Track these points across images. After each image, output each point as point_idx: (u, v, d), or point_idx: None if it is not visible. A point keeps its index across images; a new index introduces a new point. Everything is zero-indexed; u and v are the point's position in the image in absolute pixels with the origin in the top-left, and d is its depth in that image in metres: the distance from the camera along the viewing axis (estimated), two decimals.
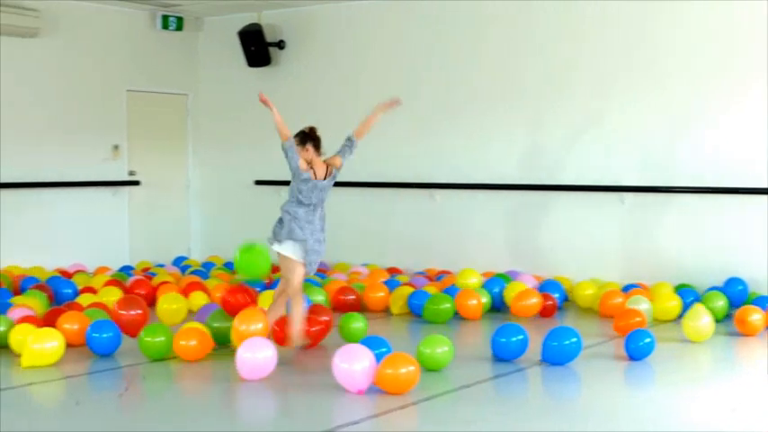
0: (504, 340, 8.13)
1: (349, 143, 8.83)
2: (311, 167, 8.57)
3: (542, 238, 12.02)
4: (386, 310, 10.67)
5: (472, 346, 8.93)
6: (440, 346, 7.78)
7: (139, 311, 8.84)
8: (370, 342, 7.69)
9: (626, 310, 9.39)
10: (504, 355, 8.13)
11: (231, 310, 8.89)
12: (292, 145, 8.62)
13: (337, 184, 13.11)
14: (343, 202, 13.55)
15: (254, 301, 9.28)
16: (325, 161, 8.66)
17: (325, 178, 8.58)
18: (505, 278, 11.22)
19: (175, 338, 8.16)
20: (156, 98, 14.46)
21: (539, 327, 9.27)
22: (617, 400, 7.10)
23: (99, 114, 13.65)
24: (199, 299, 10.41)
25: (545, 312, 10.29)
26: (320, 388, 7.22)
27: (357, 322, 8.95)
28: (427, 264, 12.79)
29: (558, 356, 7.95)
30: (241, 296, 9.13)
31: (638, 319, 9.03)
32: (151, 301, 10.53)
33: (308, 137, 8.66)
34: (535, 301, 10.17)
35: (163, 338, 8.20)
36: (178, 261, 13.58)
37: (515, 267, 11.98)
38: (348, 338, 8.65)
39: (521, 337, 8.15)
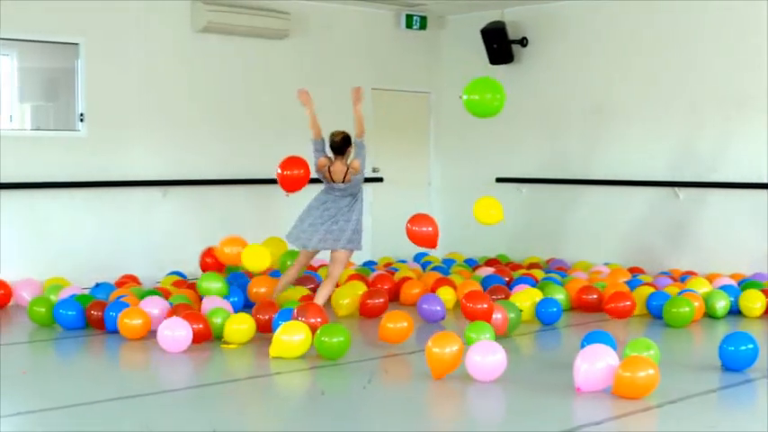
0: (732, 348, 7.89)
1: (355, 146, 9.78)
2: (329, 170, 9.80)
3: None
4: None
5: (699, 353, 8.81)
6: (646, 350, 7.61)
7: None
8: (594, 337, 7.77)
9: None
10: (731, 365, 7.88)
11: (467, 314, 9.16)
12: (317, 145, 9.91)
13: (575, 182, 13.16)
14: (584, 199, 13.53)
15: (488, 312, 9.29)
16: (347, 164, 9.75)
17: (342, 182, 9.73)
18: (755, 284, 10.90)
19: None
20: (399, 96, 14.83)
21: None
22: None
23: (344, 112, 14.07)
24: (445, 294, 10.80)
25: None
26: (552, 388, 7.28)
27: None
28: (673, 264, 12.60)
29: None
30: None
31: None
32: (393, 296, 11.02)
33: (330, 144, 9.85)
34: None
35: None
36: (419, 257, 13.90)
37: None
38: None
39: (750, 346, 7.88)
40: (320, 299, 9.73)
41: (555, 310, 9.98)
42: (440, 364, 7.45)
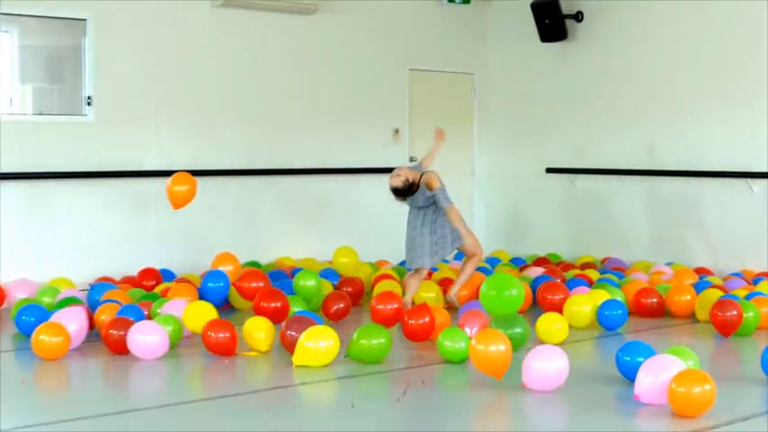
0: None
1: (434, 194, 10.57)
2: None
3: None
4: (692, 316, 10.42)
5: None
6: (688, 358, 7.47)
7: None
8: (630, 349, 7.67)
9: None
10: None
11: None
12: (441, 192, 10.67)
13: (635, 173, 12.99)
14: (644, 192, 13.36)
15: None
16: (422, 175, 10.68)
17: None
18: None
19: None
20: (440, 78, 14.72)
21: None
22: None
23: (379, 95, 14.04)
24: None
25: None
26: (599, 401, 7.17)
27: None
28: (746, 264, 12.39)
29: None
30: None
31: None
32: None
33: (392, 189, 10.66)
34: None
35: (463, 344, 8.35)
36: (460, 256, 13.74)
37: None
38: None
39: None
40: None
41: (620, 312, 9.84)
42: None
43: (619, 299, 10.18)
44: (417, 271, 10.77)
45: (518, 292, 8.39)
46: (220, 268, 10.80)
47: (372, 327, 8.53)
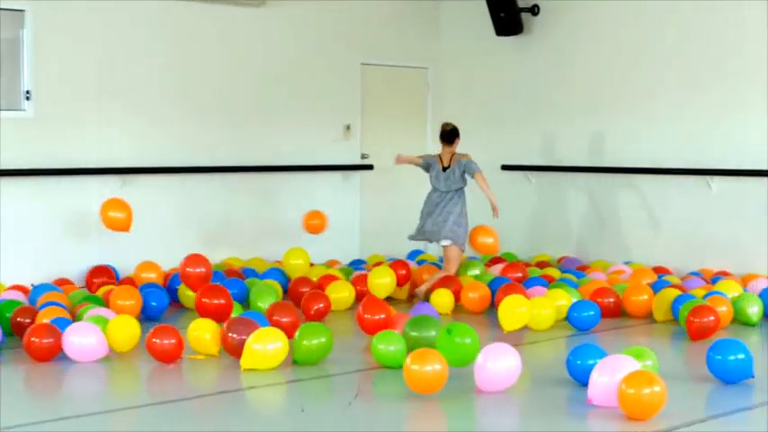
0: (719, 358, 7.91)
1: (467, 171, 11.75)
2: (439, 156, 11.88)
3: None
4: (649, 316, 10.58)
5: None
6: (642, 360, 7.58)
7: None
8: (581, 351, 7.76)
9: None
10: (719, 376, 7.92)
11: None
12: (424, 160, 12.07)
13: (594, 170, 13.13)
14: (593, 190, 13.49)
15: None
16: (453, 154, 11.78)
17: (448, 166, 11.72)
18: None
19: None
20: (392, 72, 14.78)
21: None
22: None
23: (330, 90, 14.06)
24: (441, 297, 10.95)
25: None
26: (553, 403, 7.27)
27: None
28: (704, 263, 12.59)
29: None
30: None
31: None
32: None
33: (441, 134, 11.93)
34: None
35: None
36: (413, 255, 13.85)
37: None
38: None
39: (741, 356, 7.88)
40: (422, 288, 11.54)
41: (592, 313, 10.02)
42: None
43: (589, 300, 10.32)
44: (430, 269, 11.91)
45: (472, 340, 8.40)
46: (143, 275, 11.10)
47: (314, 326, 8.61)
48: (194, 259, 10.40)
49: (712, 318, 9.48)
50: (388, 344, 8.34)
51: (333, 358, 8.60)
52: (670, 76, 12.91)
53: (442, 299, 10.93)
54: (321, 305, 10.19)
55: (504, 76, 14.56)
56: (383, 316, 9.28)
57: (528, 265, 12.91)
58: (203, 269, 10.31)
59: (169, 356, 8.45)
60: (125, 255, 12.02)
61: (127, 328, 8.80)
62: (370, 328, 9.24)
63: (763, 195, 12.17)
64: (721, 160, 12.46)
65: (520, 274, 11.75)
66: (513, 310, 9.53)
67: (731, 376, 7.86)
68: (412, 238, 12.12)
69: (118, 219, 11.21)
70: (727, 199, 12.48)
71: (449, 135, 11.88)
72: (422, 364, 7.34)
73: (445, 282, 11.33)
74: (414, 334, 8.53)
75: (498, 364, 7.54)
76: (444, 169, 11.79)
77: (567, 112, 13.86)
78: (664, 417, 6.84)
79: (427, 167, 11.99)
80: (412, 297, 11.72)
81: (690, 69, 12.74)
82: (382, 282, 11.25)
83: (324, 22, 13.97)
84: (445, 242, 11.77)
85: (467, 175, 11.72)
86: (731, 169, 12.39)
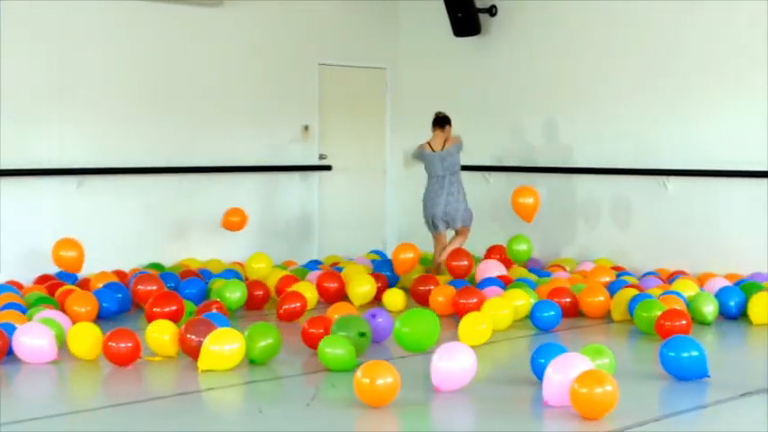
0: (672, 354, 7.96)
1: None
2: (428, 143, 12.29)
3: None
4: (607, 316, 10.62)
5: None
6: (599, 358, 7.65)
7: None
8: (545, 349, 7.80)
9: None
10: (673, 373, 7.97)
11: None
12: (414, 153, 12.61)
13: (553, 171, 13.19)
14: (552, 190, 13.55)
15: None
16: (447, 138, 12.27)
17: (442, 149, 12.15)
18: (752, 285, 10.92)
19: None
20: (351, 73, 14.78)
21: None
22: None
23: (288, 91, 14.04)
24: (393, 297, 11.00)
25: None
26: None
27: None
28: (660, 263, 12.65)
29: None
30: None
31: None
32: (341, 298, 11.10)
33: (435, 120, 12.38)
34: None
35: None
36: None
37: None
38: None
39: (694, 353, 7.93)
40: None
41: (553, 313, 10.04)
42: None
43: (549, 300, 10.34)
44: (438, 238, 12.41)
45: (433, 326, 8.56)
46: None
47: (263, 326, 8.61)
48: (146, 278, 10.56)
49: (684, 322, 9.40)
50: (335, 348, 8.26)
51: (290, 360, 8.60)
52: (625, 77, 13.01)
53: (394, 298, 10.97)
54: (297, 305, 10.32)
55: (463, 77, 14.58)
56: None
57: None
58: (155, 287, 10.35)
59: (126, 360, 8.38)
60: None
61: (88, 336, 8.64)
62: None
63: (719, 195, 12.27)
64: (677, 160, 12.56)
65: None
66: (474, 328, 9.43)
67: (685, 373, 7.89)
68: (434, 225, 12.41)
69: (69, 258, 11.13)
70: (681, 199, 12.57)
71: (442, 120, 12.38)
72: (372, 378, 7.14)
73: (457, 254, 11.98)
74: (342, 334, 8.54)
75: (452, 363, 7.54)
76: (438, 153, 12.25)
77: (525, 112, 13.91)
78: (618, 416, 6.84)
79: (420, 158, 12.45)
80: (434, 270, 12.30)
81: (643, 70, 12.84)
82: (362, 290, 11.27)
83: (282, 23, 13.95)
84: (458, 226, 12.39)
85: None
86: (687, 169, 12.49)
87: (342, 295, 11.23)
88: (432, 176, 12.33)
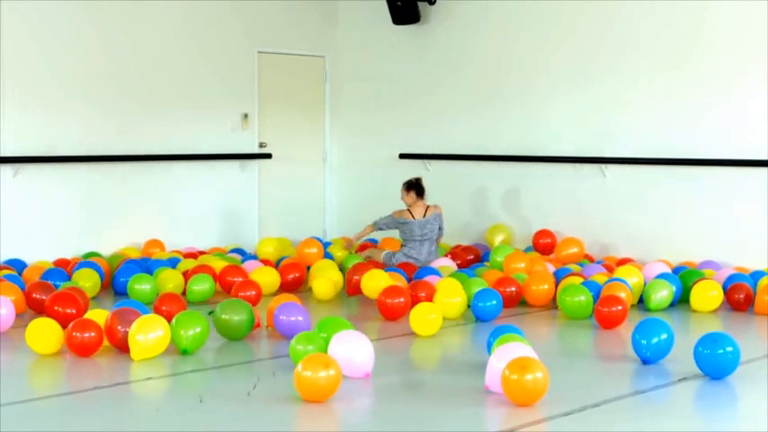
0: (644, 342, 7.98)
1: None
2: (410, 211, 12.03)
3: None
4: (551, 303, 10.60)
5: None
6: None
7: None
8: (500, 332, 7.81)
9: None
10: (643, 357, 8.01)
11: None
12: (381, 223, 12.26)
13: (491, 159, 13.14)
14: (491, 177, 13.54)
15: None
16: (428, 207, 12.07)
17: (424, 216, 11.99)
18: (694, 273, 10.96)
19: None
20: (290, 61, 14.66)
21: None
22: None
23: (226, 79, 13.91)
24: None
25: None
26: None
27: None
28: (610, 251, 12.66)
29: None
30: None
31: None
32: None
33: (413, 185, 12.11)
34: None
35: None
36: None
37: (712, 257, 11.84)
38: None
39: (664, 336, 7.99)
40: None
41: (494, 303, 9.91)
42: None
43: (492, 289, 10.22)
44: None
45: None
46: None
47: (190, 314, 8.52)
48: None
49: (620, 307, 9.44)
50: (306, 344, 7.90)
51: (233, 348, 8.55)
52: (562, 67, 13.00)
53: (324, 287, 10.92)
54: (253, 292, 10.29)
55: (402, 65, 14.53)
56: None
57: None
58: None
59: (91, 351, 8.21)
60: (19, 245, 11.80)
61: (48, 331, 8.37)
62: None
63: (657, 182, 12.31)
64: (616, 148, 12.57)
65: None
66: (426, 317, 9.35)
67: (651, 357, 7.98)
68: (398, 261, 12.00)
69: None
70: (620, 187, 12.58)
71: (423, 189, 12.13)
72: (315, 371, 6.93)
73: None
74: (224, 317, 8.75)
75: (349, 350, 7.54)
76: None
77: (464, 100, 13.86)
78: (548, 403, 6.82)
79: (395, 226, 12.16)
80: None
81: (580, 59, 12.83)
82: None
83: (220, 10, 13.78)
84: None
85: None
86: (625, 157, 12.50)
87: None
88: (410, 240, 12.02)
